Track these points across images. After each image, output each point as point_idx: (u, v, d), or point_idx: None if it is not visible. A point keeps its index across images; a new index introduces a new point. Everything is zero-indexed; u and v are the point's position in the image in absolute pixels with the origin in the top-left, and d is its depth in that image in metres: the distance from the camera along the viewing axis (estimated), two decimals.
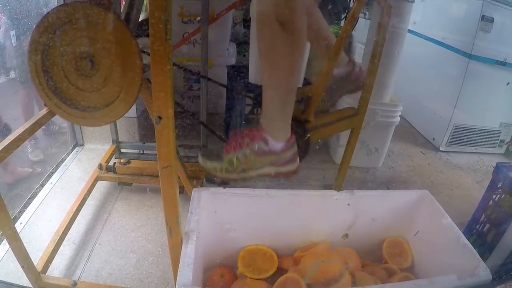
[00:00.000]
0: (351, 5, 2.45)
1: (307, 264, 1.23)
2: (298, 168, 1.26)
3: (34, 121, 1.22)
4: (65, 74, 1.01)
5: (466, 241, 1.20)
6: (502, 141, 2.98)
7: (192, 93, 2.92)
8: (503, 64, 2.63)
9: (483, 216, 1.76)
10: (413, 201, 1.39)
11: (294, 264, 1.32)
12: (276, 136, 1.20)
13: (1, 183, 1.04)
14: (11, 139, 1.13)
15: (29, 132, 1.20)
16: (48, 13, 0.96)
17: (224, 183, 1.46)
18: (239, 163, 1.21)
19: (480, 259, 1.13)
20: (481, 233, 1.76)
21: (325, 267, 1.20)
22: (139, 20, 1.32)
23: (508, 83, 2.69)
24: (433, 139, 3.01)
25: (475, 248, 1.18)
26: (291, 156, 1.22)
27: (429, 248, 1.34)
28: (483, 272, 1.09)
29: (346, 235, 1.39)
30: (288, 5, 1.04)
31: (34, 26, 0.99)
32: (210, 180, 1.93)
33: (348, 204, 1.33)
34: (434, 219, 1.31)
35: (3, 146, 1.10)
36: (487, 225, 1.73)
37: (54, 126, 2.85)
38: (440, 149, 2.93)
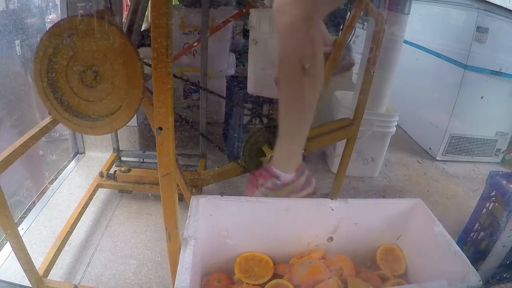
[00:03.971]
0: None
1: (297, 268, 1.26)
2: (316, 188, 1.34)
3: (38, 129, 1.26)
4: (69, 84, 1.05)
5: (458, 248, 1.23)
6: (498, 150, 3.00)
7: (192, 102, 2.96)
8: (498, 74, 2.67)
9: (477, 224, 1.79)
10: (407, 209, 1.42)
11: (289, 270, 1.35)
12: (288, 169, 1.30)
13: (4, 188, 1.07)
14: (16, 147, 1.16)
15: (34, 139, 1.23)
16: (53, 25, 1.01)
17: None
18: None
19: (471, 265, 1.16)
20: (475, 241, 1.78)
21: (313, 269, 1.23)
22: (141, 30, 1.36)
23: (482, 97, 2.72)
24: (430, 148, 3.04)
25: (469, 256, 1.21)
26: (305, 180, 1.30)
27: (422, 255, 1.36)
28: (473, 278, 1.12)
29: (332, 239, 1.43)
30: (310, 49, 1.10)
31: (39, 36, 1.03)
32: None
33: (341, 212, 1.36)
34: (426, 227, 1.34)
35: (8, 154, 1.13)
36: (481, 233, 1.75)
37: (55, 133, 2.88)
38: (437, 158, 2.95)
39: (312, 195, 1.37)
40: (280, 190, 1.31)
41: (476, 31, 2.60)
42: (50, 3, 2.32)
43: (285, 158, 1.31)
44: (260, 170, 1.37)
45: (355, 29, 1.71)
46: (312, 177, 1.38)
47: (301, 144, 1.30)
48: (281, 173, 1.31)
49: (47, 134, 2.23)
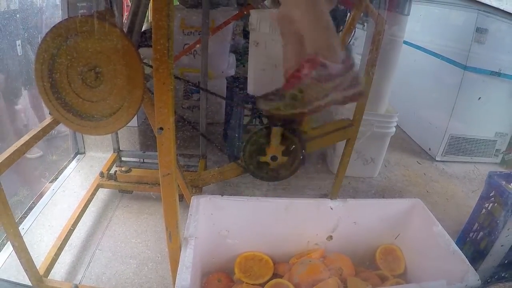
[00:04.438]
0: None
1: (296, 267, 1.27)
2: (363, 91, 1.26)
3: (39, 129, 1.27)
4: (70, 84, 1.06)
5: (456, 247, 1.24)
6: (497, 150, 3.00)
7: (192, 103, 2.96)
8: (497, 74, 2.67)
9: (476, 224, 1.79)
10: (406, 209, 1.43)
11: (289, 270, 1.35)
12: (331, 56, 1.19)
13: (5, 188, 1.08)
14: (18, 146, 1.17)
15: (35, 139, 1.24)
16: (54, 26, 1.01)
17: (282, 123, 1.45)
18: (303, 94, 1.21)
19: (470, 265, 1.17)
20: (474, 241, 1.79)
21: (313, 268, 1.24)
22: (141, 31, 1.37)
23: (479, 98, 2.73)
24: (429, 149, 3.05)
25: (468, 256, 1.21)
26: (352, 78, 1.22)
27: (421, 255, 1.37)
28: (472, 277, 1.13)
29: (331, 238, 1.42)
30: None
31: (41, 37, 1.04)
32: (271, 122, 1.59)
33: (340, 211, 1.37)
34: (426, 227, 1.35)
35: (9, 153, 1.14)
36: (480, 233, 1.76)
37: (53, 131, 2.88)
38: (436, 159, 2.96)
39: (357, 97, 1.27)
40: (325, 82, 1.19)
41: (476, 32, 2.61)
42: (51, 3, 2.32)
43: (324, 44, 1.20)
44: (304, 59, 1.24)
45: (355, 30, 1.72)
46: (359, 79, 1.26)
47: (331, 26, 1.19)
48: (328, 62, 1.18)
49: None
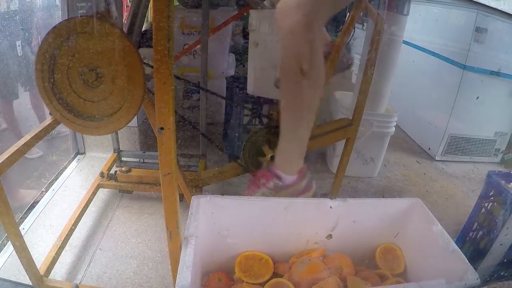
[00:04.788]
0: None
1: (296, 266, 1.27)
2: (316, 193, 1.39)
3: (40, 129, 1.27)
4: (70, 84, 1.06)
5: (456, 247, 1.24)
6: (497, 150, 3.01)
7: (192, 103, 2.97)
8: (497, 74, 2.68)
9: (476, 223, 1.80)
10: (405, 208, 1.43)
11: (289, 269, 1.36)
12: (290, 171, 1.31)
13: (5, 187, 1.09)
14: (19, 146, 1.17)
15: (36, 139, 1.25)
16: (54, 26, 1.02)
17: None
18: None
19: (469, 264, 1.17)
20: (474, 240, 1.79)
21: (312, 267, 1.24)
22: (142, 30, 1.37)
23: (477, 97, 2.73)
24: (429, 148, 3.06)
25: (468, 255, 1.22)
26: (306, 184, 1.34)
27: (421, 254, 1.37)
28: (471, 276, 1.13)
29: (331, 236, 1.43)
30: (311, 55, 1.12)
31: (41, 37, 1.04)
32: None
33: (340, 210, 1.37)
34: (425, 226, 1.35)
35: (10, 153, 1.14)
36: (480, 232, 1.76)
37: (53, 132, 2.88)
38: (436, 159, 2.96)
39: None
40: (281, 191, 1.32)
41: (475, 31, 2.61)
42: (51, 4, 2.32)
43: (286, 160, 1.33)
44: (263, 171, 1.38)
45: (354, 30, 1.72)
46: (313, 181, 1.39)
47: (303, 147, 1.31)
48: (283, 175, 1.32)
49: None
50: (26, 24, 2.23)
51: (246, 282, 1.31)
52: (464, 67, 2.69)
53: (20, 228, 1.82)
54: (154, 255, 1.75)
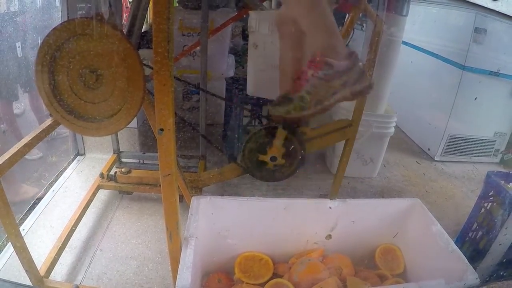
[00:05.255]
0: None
1: (296, 266, 1.28)
2: (372, 83, 1.25)
3: (40, 130, 1.27)
4: (70, 86, 1.06)
5: (455, 247, 1.24)
6: (497, 150, 3.01)
7: (192, 104, 2.97)
8: (496, 74, 2.68)
9: (475, 224, 1.80)
10: (405, 209, 1.43)
11: (289, 270, 1.36)
12: (336, 55, 1.20)
13: (7, 184, 1.10)
14: (19, 147, 1.18)
15: (36, 140, 1.25)
16: (54, 28, 1.02)
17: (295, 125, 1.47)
18: (311, 95, 1.21)
19: (468, 264, 1.17)
20: (473, 240, 1.79)
21: (312, 267, 1.24)
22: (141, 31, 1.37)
23: (476, 98, 2.74)
24: (428, 149, 3.06)
25: (468, 255, 1.22)
26: (358, 72, 1.22)
27: (420, 254, 1.38)
28: (471, 276, 1.13)
29: (330, 237, 1.43)
30: None
31: (40, 39, 1.04)
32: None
33: (339, 211, 1.37)
34: (425, 226, 1.35)
35: (11, 154, 1.15)
36: (480, 233, 1.76)
37: (53, 133, 2.88)
38: (435, 159, 2.96)
39: (367, 90, 1.26)
40: (332, 81, 1.20)
41: (474, 32, 2.61)
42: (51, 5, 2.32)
43: (326, 43, 1.22)
44: (309, 63, 1.25)
45: (353, 31, 1.72)
46: (364, 72, 1.26)
47: (333, 24, 1.22)
48: (333, 61, 1.19)
49: None
50: (26, 25, 2.23)
51: (246, 283, 1.31)
52: (463, 67, 2.69)
53: (20, 229, 1.82)
54: (154, 255, 1.76)
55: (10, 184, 2.07)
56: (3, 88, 2.29)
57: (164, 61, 0.81)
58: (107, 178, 2.07)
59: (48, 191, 2.17)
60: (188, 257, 1.08)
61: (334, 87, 1.21)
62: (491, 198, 1.72)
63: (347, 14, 1.67)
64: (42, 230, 1.87)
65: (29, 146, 1.22)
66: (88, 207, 1.91)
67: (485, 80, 2.71)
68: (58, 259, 1.59)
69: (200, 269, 1.28)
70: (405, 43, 2.77)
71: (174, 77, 0.88)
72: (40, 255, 1.57)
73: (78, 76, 1.05)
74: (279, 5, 1.66)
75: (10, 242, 1.51)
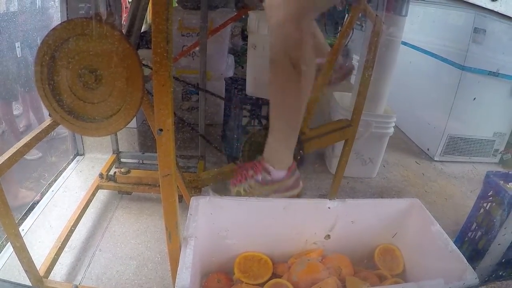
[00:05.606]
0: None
1: (295, 266, 1.28)
2: (301, 192, 1.35)
3: (39, 130, 1.27)
4: (70, 86, 1.06)
5: (455, 247, 1.24)
6: (496, 150, 3.02)
7: (191, 104, 2.97)
8: (495, 75, 2.68)
9: (475, 224, 1.80)
10: (404, 209, 1.43)
11: (288, 270, 1.36)
12: (279, 166, 1.29)
13: (6, 186, 1.10)
14: (18, 147, 1.18)
15: (36, 140, 1.25)
16: (54, 28, 1.02)
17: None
18: (246, 193, 1.30)
19: (467, 263, 1.17)
20: (472, 240, 1.79)
21: (311, 266, 1.24)
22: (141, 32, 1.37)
23: (474, 98, 2.74)
24: (428, 149, 3.06)
25: (467, 255, 1.22)
26: (293, 182, 1.31)
27: (420, 255, 1.37)
28: (470, 276, 1.13)
29: (329, 237, 1.43)
30: (299, 48, 1.12)
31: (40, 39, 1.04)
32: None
33: (338, 211, 1.37)
34: (424, 226, 1.35)
35: (10, 154, 1.15)
36: (479, 233, 1.77)
37: (52, 133, 2.88)
38: (435, 159, 2.97)
39: (295, 197, 1.37)
40: (267, 185, 1.30)
41: (474, 32, 2.62)
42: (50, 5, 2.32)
43: (275, 154, 1.31)
44: (253, 162, 1.36)
45: (352, 31, 1.73)
46: (300, 180, 1.37)
47: (292, 142, 1.29)
48: (273, 169, 1.30)
49: None
50: (25, 25, 2.23)
51: (246, 283, 1.31)
52: (462, 67, 2.70)
53: (20, 229, 1.82)
54: (154, 256, 1.76)
55: (9, 187, 2.07)
56: (2, 89, 2.29)
57: (163, 61, 0.81)
58: (106, 178, 2.07)
59: (47, 191, 2.17)
60: (187, 257, 1.07)
61: (267, 190, 1.33)
62: (490, 198, 1.72)
63: (347, 14, 1.67)
64: (41, 230, 1.87)
65: (28, 146, 1.22)
66: (87, 207, 1.91)
67: (485, 80, 2.71)
68: (58, 259, 1.59)
69: (199, 269, 1.27)
70: (404, 43, 2.77)
71: (173, 77, 0.88)
72: (39, 255, 1.57)
73: (77, 76, 1.05)
74: None
75: (9, 242, 1.51)
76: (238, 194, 1.32)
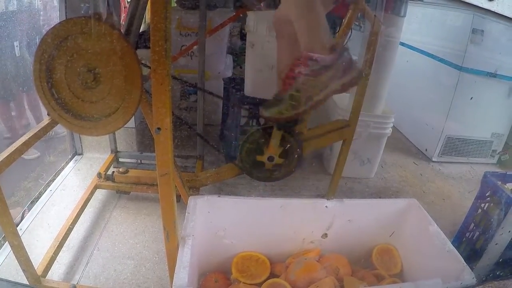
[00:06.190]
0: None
1: (293, 266, 1.28)
2: (361, 72, 1.27)
3: (38, 129, 1.27)
4: (68, 85, 1.06)
5: (452, 247, 1.25)
6: (494, 151, 3.02)
7: (189, 104, 2.97)
8: (493, 75, 2.69)
9: (472, 224, 1.80)
10: (402, 209, 1.43)
11: (286, 270, 1.36)
12: (320, 49, 1.20)
13: (3, 187, 1.10)
14: (17, 145, 1.18)
15: (34, 139, 1.25)
16: (53, 27, 1.02)
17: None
18: (301, 93, 1.22)
19: (465, 263, 1.18)
20: (470, 241, 1.80)
21: (308, 266, 1.25)
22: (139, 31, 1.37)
23: (471, 98, 2.74)
24: (426, 149, 3.06)
25: (465, 255, 1.22)
26: (346, 63, 1.22)
27: (417, 254, 1.38)
28: (467, 276, 1.13)
29: (326, 236, 1.43)
30: None
31: (39, 38, 1.04)
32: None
33: (336, 210, 1.37)
34: (421, 227, 1.35)
35: (8, 153, 1.15)
36: (476, 233, 1.77)
37: (51, 132, 2.88)
38: (433, 160, 2.97)
39: (356, 81, 1.27)
40: (320, 75, 1.20)
41: (472, 33, 2.62)
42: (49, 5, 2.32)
43: (313, 37, 1.22)
44: (295, 61, 1.25)
45: (351, 31, 1.73)
46: (352, 62, 1.25)
47: (323, 20, 1.22)
48: (317, 55, 1.19)
49: None
50: (24, 24, 2.23)
51: (243, 283, 1.31)
52: (460, 68, 2.70)
53: (18, 228, 1.82)
54: (152, 255, 1.76)
55: None
56: (0, 88, 2.29)
57: (161, 60, 0.81)
58: (104, 177, 2.07)
59: (45, 191, 2.17)
60: (185, 257, 1.07)
61: (322, 81, 1.22)
62: (488, 198, 1.73)
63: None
64: (39, 229, 1.86)
65: (26, 145, 1.22)
66: (85, 206, 1.91)
67: (483, 81, 2.72)
68: (56, 258, 1.59)
69: (197, 269, 1.28)
70: (402, 43, 2.77)
71: (172, 76, 0.88)
72: (37, 254, 1.57)
73: (76, 75, 1.05)
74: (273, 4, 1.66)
75: (7, 241, 1.51)
76: (293, 98, 1.22)
